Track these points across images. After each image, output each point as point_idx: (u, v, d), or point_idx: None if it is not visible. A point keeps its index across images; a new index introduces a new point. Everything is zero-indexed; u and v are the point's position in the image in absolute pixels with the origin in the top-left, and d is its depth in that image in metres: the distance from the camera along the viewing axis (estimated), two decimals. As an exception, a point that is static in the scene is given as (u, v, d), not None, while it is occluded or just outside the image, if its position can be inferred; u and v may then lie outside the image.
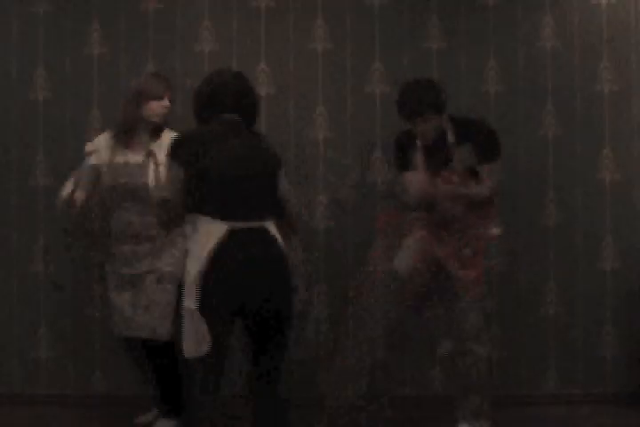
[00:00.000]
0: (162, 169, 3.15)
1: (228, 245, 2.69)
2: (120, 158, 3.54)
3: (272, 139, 4.18)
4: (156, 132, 3.60)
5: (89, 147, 3.64)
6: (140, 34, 4.26)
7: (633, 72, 4.29)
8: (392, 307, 3.47)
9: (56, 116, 4.25)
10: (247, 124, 2.90)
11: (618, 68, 4.29)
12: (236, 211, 2.73)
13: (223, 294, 2.69)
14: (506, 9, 4.29)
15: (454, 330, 3.46)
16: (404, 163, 3.53)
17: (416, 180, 3.45)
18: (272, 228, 2.81)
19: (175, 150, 2.75)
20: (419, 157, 3.44)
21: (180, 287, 3.26)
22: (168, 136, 3.52)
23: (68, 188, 3.51)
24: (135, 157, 3.53)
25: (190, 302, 2.68)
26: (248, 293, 2.72)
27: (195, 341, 2.69)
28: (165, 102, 3.54)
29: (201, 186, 2.72)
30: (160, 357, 3.55)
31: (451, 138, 3.38)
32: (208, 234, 2.70)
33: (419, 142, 3.45)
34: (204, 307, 2.67)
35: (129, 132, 3.55)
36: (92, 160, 3.59)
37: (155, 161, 3.33)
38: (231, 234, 2.70)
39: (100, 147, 3.61)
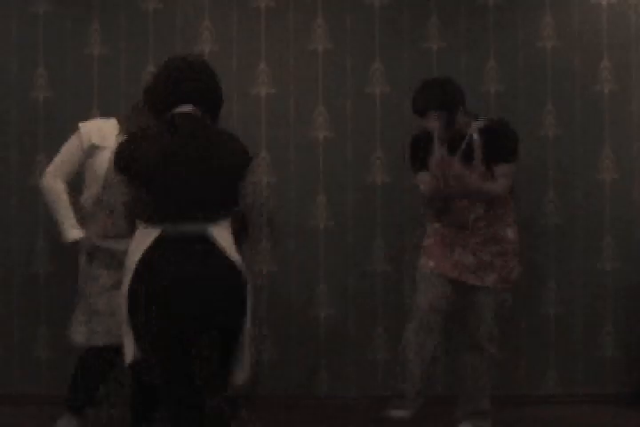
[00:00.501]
0: None
1: (156, 255, 2.37)
2: None
3: (271, 139, 4.26)
4: None
5: (88, 125, 3.44)
6: (140, 34, 4.27)
7: (633, 72, 4.30)
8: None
9: (56, 115, 4.25)
10: (210, 117, 2.60)
11: (618, 68, 4.29)
12: (170, 213, 2.41)
13: (150, 317, 2.36)
14: (506, 9, 4.30)
15: (471, 329, 3.50)
16: (419, 163, 3.53)
17: (426, 180, 3.47)
18: (219, 232, 2.45)
19: (115, 156, 2.50)
20: (437, 156, 3.45)
21: None
22: None
23: (72, 223, 3.36)
24: None
25: (123, 323, 2.44)
26: (179, 315, 2.37)
27: (131, 349, 2.46)
28: None
29: (136, 189, 2.47)
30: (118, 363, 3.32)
31: (475, 137, 3.41)
32: (139, 242, 2.42)
33: (437, 141, 3.45)
34: (137, 329, 2.40)
35: None
36: (92, 138, 3.38)
37: None
38: (162, 241, 2.38)
39: (105, 131, 3.42)
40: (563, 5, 4.31)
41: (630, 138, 4.30)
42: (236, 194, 2.55)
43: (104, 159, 3.33)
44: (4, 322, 4.25)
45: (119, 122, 3.41)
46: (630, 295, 4.28)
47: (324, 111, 4.28)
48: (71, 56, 4.26)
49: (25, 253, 4.26)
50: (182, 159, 2.43)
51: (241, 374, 2.55)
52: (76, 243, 3.37)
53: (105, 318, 3.31)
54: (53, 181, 3.39)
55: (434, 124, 3.37)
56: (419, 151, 3.51)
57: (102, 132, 3.39)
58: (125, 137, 2.64)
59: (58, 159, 3.43)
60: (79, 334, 3.36)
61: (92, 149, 3.37)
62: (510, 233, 3.48)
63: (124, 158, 2.46)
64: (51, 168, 3.42)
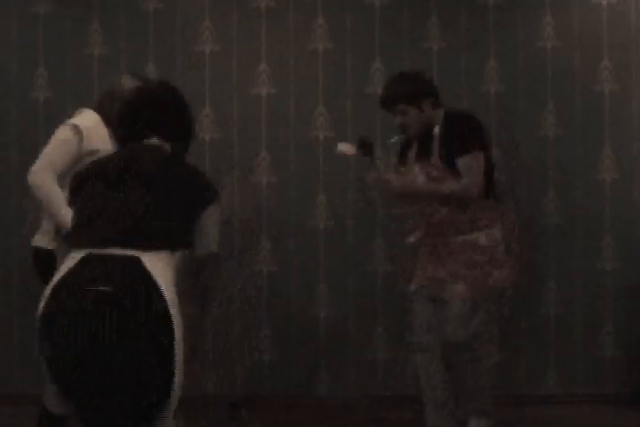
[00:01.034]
0: None
1: (70, 282, 2.05)
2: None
3: (271, 139, 4.26)
4: None
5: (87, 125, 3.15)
6: (140, 34, 4.27)
7: (633, 72, 4.29)
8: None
9: (56, 115, 4.24)
10: (178, 149, 2.39)
11: (618, 68, 4.29)
12: (98, 239, 2.11)
13: (50, 351, 2.06)
14: (506, 9, 4.29)
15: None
16: (399, 160, 3.50)
17: (372, 179, 3.40)
18: (152, 260, 2.09)
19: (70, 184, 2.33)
20: (412, 153, 3.41)
21: None
22: None
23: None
24: None
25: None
26: (79, 353, 2.01)
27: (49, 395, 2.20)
28: None
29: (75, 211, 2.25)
30: None
31: (436, 130, 3.30)
32: (63, 266, 2.13)
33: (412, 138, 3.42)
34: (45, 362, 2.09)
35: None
36: (94, 144, 3.12)
37: None
38: (82, 265, 2.08)
39: (98, 128, 3.19)
40: (563, 5, 4.31)
41: (630, 138, 4.30)
42: (182, 232, 2.20)
43: None
44: (3, 322, 4.25)
45: (99, 115, 3.18)
46: (630, 295, 4.28)
47: (324, 111, 4.28)
48: (71, 56, 4.26)
49: (25, 253, 4.25)
50: (122, 188, 2.18)
51: None
52: None
53: None
54: (44, 178, 3.02)
55: (403, 119, 3.30)
56: (403, 147, 3.49)
57: (100, 135, 3.17)
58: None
59: (49, 157, 3.06)
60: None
61: (91, 154, 3.07)
62: (483, 240, 3.24)
63: (71, 186, 2.30)
64: (39, 166, 3.05)
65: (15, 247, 4.26)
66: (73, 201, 2.29)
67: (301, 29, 4.29)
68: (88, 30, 4.27)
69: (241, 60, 4.25)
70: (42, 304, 2.08)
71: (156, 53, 4.24)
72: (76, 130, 3.10)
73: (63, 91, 4.25)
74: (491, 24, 4.30)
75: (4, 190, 4.27)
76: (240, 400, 4.04)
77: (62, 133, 3.10)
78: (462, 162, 3.18)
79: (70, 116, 4.01)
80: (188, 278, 2.23)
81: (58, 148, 3.08)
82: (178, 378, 2.08)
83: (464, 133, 3.21)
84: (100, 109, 3.21)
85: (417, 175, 3.30)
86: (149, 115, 2.34)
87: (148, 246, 2.11)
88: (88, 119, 3.18)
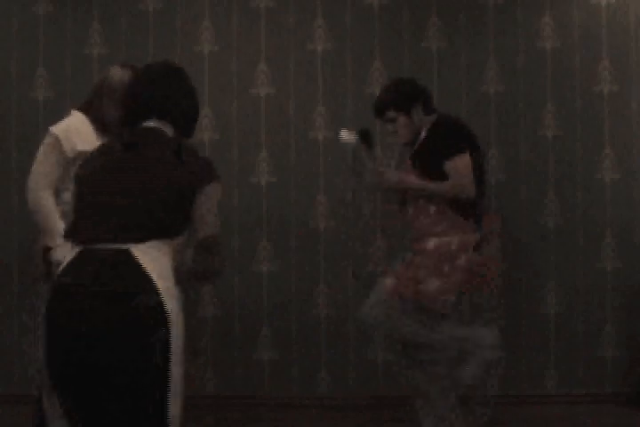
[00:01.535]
0: None
1: (64, 280, 2.05)
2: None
3: (271, 139, 4.26)
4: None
5: (65, 131, 3.09)
6: (140, 34, 4.27)
7: (632, 72, 4.29)
8: None
9: (56, 115, 4.23)
10: (182, 133, 2.34)
11: (617, 69, 4.29)
12: (92, 231, 2.10)
13: (46, 349, 2.06)
14: (506, 9, 4.30)
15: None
16: (397, 164, 3.54)
17: (375, 172, 3.40)
18: (145, 253, 2.06)
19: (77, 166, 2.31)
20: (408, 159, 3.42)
21: None
22: None
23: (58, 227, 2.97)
24: None
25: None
26: (69, 353, 2.00)
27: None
28: None
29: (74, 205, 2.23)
30: None
31: (421, 136, 3.32)
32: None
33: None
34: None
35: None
36: (78, 145, 3.07)
37: None
38: (75, 263, 2.07)
39: (83, 132, 3.13)
40: (562, 5, 4.31)
41: (630, 138, 4.30)
42: (176, 218, 2.14)
43: None
44: (3, 322, 4.25)
45: (85, 113, 3.14)
46: (630, 295, 4.28)
47: (324, 111, 4.28)
48: (71, 56, 4.27)
49: (25, 252, 4.26)
50: (114, 177, 2.15)
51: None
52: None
53: None
54: (40, 196, 3.03)
55: (393, 126, 3.33)
56: (402, 152, 3.52)
57: (82, 135, 3.09)
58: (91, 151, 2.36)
59: (39, 173, 3.05)
60: None
61: (79, 155, 3.03)
62: (432, 245, 3.19)
63: (75, 174, 2.27)
64: (33, 183, 3.05)
65: (15, 247, 4.26)
66: (74, 196, 2.26)
67: (301, 30, 4.29)
68: (88, 30, 4.27)
69: (240, 61, 4.25)
70: (43, 303, 2.08)
71: (155, 53, 4.24)
72: (53, 137, 3.07)
73: (63, 91, 4.26)
74: (490, 24, 4.30)
75: (5, 190, 4.27)
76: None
77: (44, 143, 3.09)
78: (448, 165, 3.18)
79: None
80: (189, 262, 2.18)
81: (43, 159, 3.07)
82: (176, 374, 2.02)
83: (447, 138, 3.21)
84: (86, 107, 3.16)
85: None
86: (147, 95, 2.28)
87: (140, 238, 2.07)
88: (66, 123, 3.13)
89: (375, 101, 3.38)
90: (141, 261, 2.04)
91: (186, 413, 3.50)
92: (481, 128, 4.01)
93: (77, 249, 2.09)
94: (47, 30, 4.27)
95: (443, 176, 3.20)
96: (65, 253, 2.33)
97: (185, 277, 2.18)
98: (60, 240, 2.84)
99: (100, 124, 3.12)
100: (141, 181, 2.13)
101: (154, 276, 2.03)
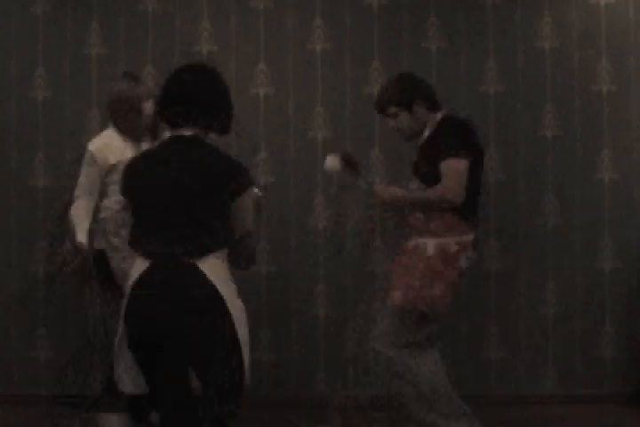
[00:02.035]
0: None
1: (142, 287, 2.33)
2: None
3: (271, 139, 4.26)
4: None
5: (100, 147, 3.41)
6: (139, 34, 4.27)
7: (632, 72, 4.29)
8: None
9: (55, 115, 4.25)
10: (219, 131, 2.50)
11: (616, 68, 4.29)
12: (154, 245, 2.33)
13: (133, 344, 2.38)
14: (505, 9, 4.30)
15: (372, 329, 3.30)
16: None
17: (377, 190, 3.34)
18: (209, 265, 2.32)
19: (121, 181, 2.49)
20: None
21: None
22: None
23: (83, 229, 3.35)
24: None
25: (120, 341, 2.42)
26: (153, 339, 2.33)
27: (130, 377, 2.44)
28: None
29: (132, 217, 2.43)
30: None
31: (425, 135, 3.27)
32: (134, 271, 2.38)
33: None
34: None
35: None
36: (109, 160, 3.37)
37: None
38: (150, 272, 2.32)
39: (115, 145, 3.43)
40: (561, 5, 4.31)
41: (630, 138, 4.30)
42: (221, 221, 2.35)
43: None
44: (3, 322, 4.26)
45: (116, 128, 3.39)
46: (630, 295, 4.27)
47: (323, 111, 4.28)
48: (70, 56, 4.27)
49: (25, 253, 4.26)
50: (171, 186, 2.33)
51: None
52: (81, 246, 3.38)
53: None
54: (79, 203, 3.38)
55: (395, 123, 3.28)
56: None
57: (112, 148, 3.37)
58: (128, 162, 2.56)
59: (84, 187, 3.40)
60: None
61: (114, 167, 3.34)
62: (431, 250, 3.13)
63: (125, 186, 2.45)
64: (78, 191, 3.39)
65: (15, 247, 4.26)
66: (127, 205, 2.49)
67: (300, 30, 4.29)
68: (87, 30, 4.27)
69: (239, 61, 4.25)
70: (124, 303, 2.37)
71: (154, 54, 4.24)
72: (90, 154, 3.37)
73: (62, 91, 4.26)
74: (489, 24, 4.30)
75: (4, 190, 4.27)
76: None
77: (85, 160, 3.41)
78: (443, 166, 3.08)
79: (70, 116, 4.11)
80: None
81: (84, 174, 3.40)
82: (245, 366, 2.35)
83: (445, 139, 3.13)
84: (114, 122, 3.41)
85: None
86: (177, 99, 2.40)
87: (202, 252, 2.31)
88: (99, 140, 3.41)
89: (377, 97, 3.32)
90: (207, 273, 2.30)
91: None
92: (480, 128, 4.00)
93: (147, 262, 2.33)
94: (46, 30, 4.27)
95: (438, 178, 3.12)
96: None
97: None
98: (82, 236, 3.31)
99: (131, 136, 3.41)
100: (193, 194, 2.31)
101: (218, 285, 2.31)
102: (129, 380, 2.42)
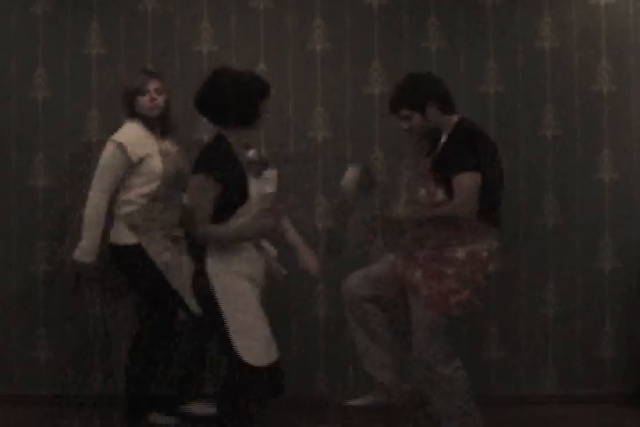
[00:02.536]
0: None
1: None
2: (164, 146, 3.68)
3: (270, 138, 4.26)
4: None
5: (130, 138, 3.59)
6: (139, 34, 4.27)
7: (632, 72, 4.29)
8: None
9: (55, 115, 4.25)
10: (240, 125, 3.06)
11: (617, 68, 4.29)
12: None
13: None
14: (505, 9, 4.29)
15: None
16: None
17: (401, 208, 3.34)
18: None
19: (208, 164, 2.92)
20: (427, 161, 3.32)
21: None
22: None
23: (94, 236, 3.57)
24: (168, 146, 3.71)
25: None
26: None
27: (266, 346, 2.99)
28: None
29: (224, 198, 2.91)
30: None
31: (443, 139, 3.25)
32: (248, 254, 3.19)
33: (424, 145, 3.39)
34: None
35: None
36: (138, 152, 3.56)
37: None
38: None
39: (142, 139, 3.63)
40: (561, 5, 4.31)
41: (630, 138, 4.30)
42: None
43: (157, 162, 3.56)
44: (3, 322, 4.26)
45: (137, 121, 3.63)
46: (630, 295, 4.27)
47: (323, 111, 4.28)
48: (70, 56, 4.27)
49: (25, 253, 4.26)
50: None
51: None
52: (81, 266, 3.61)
53: None
54: (103, 201, 3.54)
55: (407, 125, 3.26)
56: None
57: (142, 141, 3.57)
58: (206, 146, 3.01)
59: (106, 178, 3.53)
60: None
61: (141, 160, 3.55)
62: (463, 254, 3.14)
63: (220, 169, 2.86)
64: (99, 186, 3.54)
65: (15, 247, 4.26)
66: (221, 188, 2.94)
67: (300, 30, 4.29)
68: (87, 30, 4.27)
69: (239, 61, 4.24)
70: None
71: (154, 54, 4.24)
72: (121, 147, 3.51)
73: (62, 91, 4.26)
74: (489, 24, 4.30)
75: (4, 190, 4.27)
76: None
77: (109, 152, 3.54)
78: (455, 181, 3.07)
79: (70, 116, 4.10)
80: None
81: (108, 168, 3.53)
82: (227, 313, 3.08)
83: (462, 149, 3.10)
84: (129, 112, 3.63)
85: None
86: (203, 98, 3.02)
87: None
88: (128, 133, 3.58)
89: (390, 98, 3.28)
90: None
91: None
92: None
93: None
94: (46, 30, 4.27)
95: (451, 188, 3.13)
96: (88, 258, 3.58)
97: None
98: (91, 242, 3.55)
99: (164, 126, 3.68)
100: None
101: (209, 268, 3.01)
102: (263, 350, 2.91)
